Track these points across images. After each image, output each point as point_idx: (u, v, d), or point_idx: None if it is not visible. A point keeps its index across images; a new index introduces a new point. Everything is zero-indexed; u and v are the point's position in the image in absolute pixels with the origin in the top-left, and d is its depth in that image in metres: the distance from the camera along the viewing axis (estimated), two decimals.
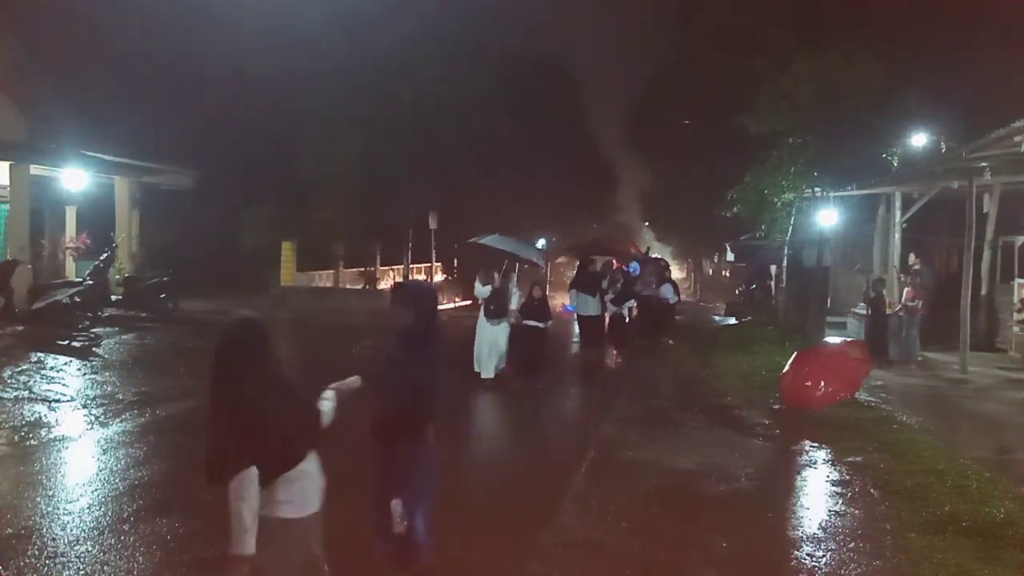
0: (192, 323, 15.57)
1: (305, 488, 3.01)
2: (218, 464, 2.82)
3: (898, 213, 14.77)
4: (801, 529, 5.57)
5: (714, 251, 40.07)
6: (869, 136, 15.63)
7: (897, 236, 14.81)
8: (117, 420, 7.90)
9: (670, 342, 16.06)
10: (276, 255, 22.59)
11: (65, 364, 10.55)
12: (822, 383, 8.86)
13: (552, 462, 7.47)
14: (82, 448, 7.03)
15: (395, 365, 4.00)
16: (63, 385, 9.36)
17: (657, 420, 9.25)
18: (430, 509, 4.07)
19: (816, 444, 7.83)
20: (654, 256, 20.81)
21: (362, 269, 24.87)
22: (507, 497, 6.32)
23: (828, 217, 16.77)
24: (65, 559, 4.54)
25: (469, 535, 5.22)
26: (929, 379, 11.57)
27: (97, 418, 7.98)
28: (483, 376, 10.72)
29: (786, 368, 9.48)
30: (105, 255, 15.22)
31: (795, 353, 9.87)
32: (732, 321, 21.64)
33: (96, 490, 5.81)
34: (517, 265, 12.66)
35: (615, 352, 14.57)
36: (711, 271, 45.70)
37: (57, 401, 8.59)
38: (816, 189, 16.71)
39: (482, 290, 11.16)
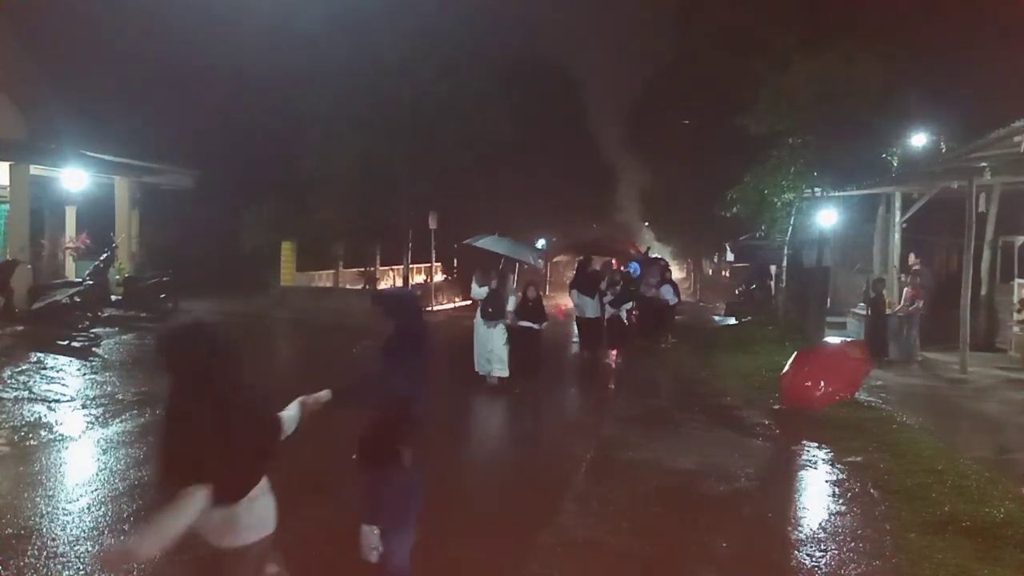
0: None
1: (264, 508, 2.85)
2: (178, 470, 2.61)
3: (898, 213, 14.77)
4: (801, 529, 5.57)
5: (714, 251, 40.08)
6: (869, 136, 15.63)
7: (897, 236, 14.81)
8: (117, 420, 7.89)
9: (672, 342, 16.05)
10: (276, 255, 22.59)
11: (65, 364, 10.55)
12: (822, 383, 8.87)
13: (552, 462, 7.47)
14: (82, 448, 7.03)
15: (372, 380, 3.73)
16: (63, 385, 9.36)
17: (657, 420, 9.25)
18: (411, 537, 3.72)
19: (816, 444, 7.83)
20: (654, 256, 20.82)
21: (362, 269, 24.87)
22: (507, 497, 6.33)
23: (828, 217, 16.77)
24: (65, 559, 4.54)
25: (469, 535, 5.23)
26: (929, 379, 11.57)
27: (97, 418, 7.98)
28: (494, 375, 10.66)
29: (786, 368, 9.48)
30: (105, 255, 15.22)
31: (795, 353, 9.87)
32: (732, 321, 21.65)
33: (96, 490, 5.81)
34: (517, 266, 12.59)
35: (614, 353, 14.56)
36: (711, 271, 45.70)
37: (57, 401, 8.59)
38: (816, 189, 16.71)
39: (479, 291, 11.05)
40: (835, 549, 5.12)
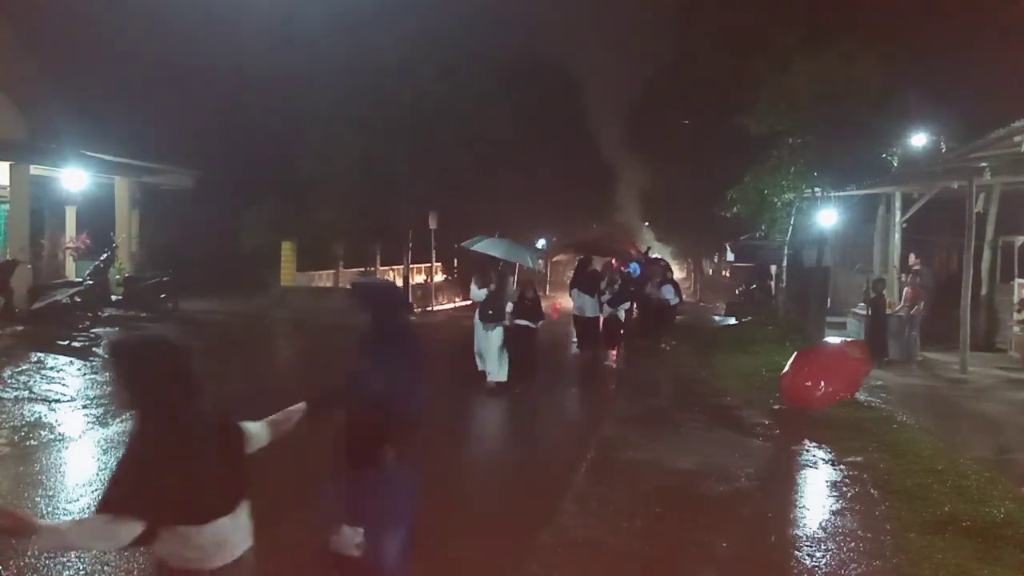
0: (192, 323, 15.58)
1: (240, 522, 2.54)
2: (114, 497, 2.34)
3: (898, 213, 14.77)
4: (801, 529, 5.57)
5: (714, 251, 40.07)
6: (869, 136, 15.63)
7: (897, 236, 14.81)
8: (117, 420, 7.89)
9: (672, 343, 16.03)
10: (276, 255, 22.60)
11: (65, 364, 10.55)
12: (822, 383, 8.87)
13: (552, 462, 7.47)
14: (82, 448, 7.03)
15: (350, 379, 3.49)
16: (63, 385, 9.36)
17: (657, 420, 9.25)
18: (401, 537, 3.51)
19: (816, 444, 7.83)
20: (654, 256, 20.82)
21: (362, 269, 24.86)
22: (507, 497, 6.33)
23: (828, 217, 16.78)
24: (65, 559, 4.54)
25: (469, 535, 5.23)
26: (929, 379, 11.57)
27: (97, 418, 7.98)
28: (490, 379, 10.57)
29: (786, 368, 9.48)
30: (105, 255, 15.22)
31: (795, 353, 9.87)
32: (732, 321, 21.66)
33: (96, 490, 5.80)
34: (517, 266, 12.52)
35: (612, 353, 14.55)
36: (711, 271, 45.70)
37: (57, 401, 8.59)
38: (816, 189, 16.71)
39: (478, 293, 10.90)
40: (835, 549, 5.12)
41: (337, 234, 22.57)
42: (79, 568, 4.45)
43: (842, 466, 7.08)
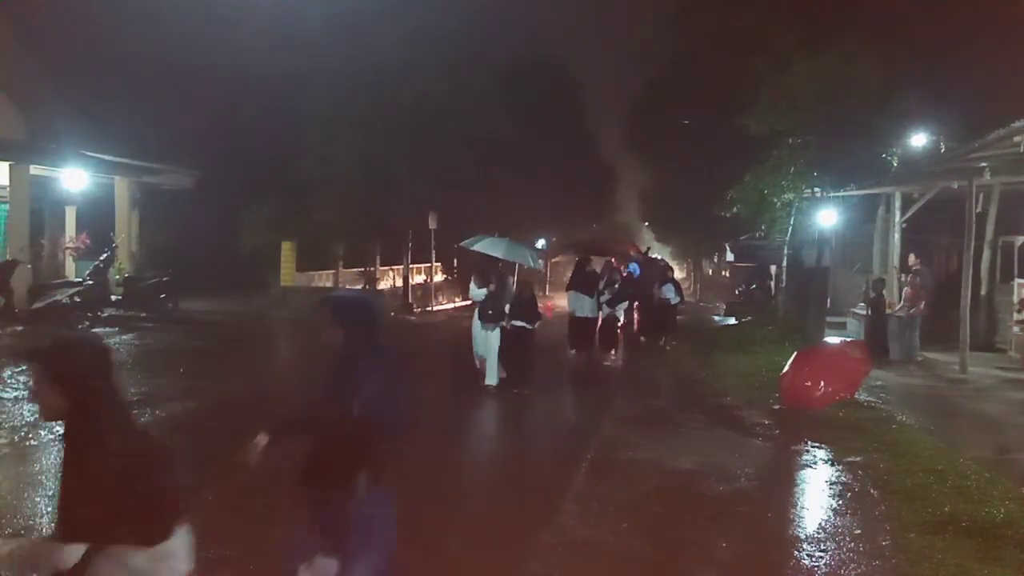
0: (192, 323, 15.59)
1: (153, 564, 2.32)
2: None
3: (898, 213, 14.77)
4: (801, 529, 5.57)
5: (714, 251, 40.07)
6: (869, 136, 15.63)
7: (897, 236, 14.81)
8: None
9: (672, 343, 16.02)
10: (276, 255, 22.60)
11: None
12: (822, 383, 8.86)
13: (552, 462, 7.47)
14: None
15: (318, 400, 3.29)
16: None
17: (657, 420, 9.25)
18: (384, 569, 3.29)
19: (816, 444, 7.83)
20: (654, 256, 20.81)
21: (362, 269, 24.88)
22: (507, 497, 6.32)
23: (828, 217, 16.78)
24: None
25: (470, 535, 5.23)
26: (929, 379, 11.57)
27: None
28: (486, 382, 10.49)
29: (786, 368, 9.48)
30: (105, 255, 15.22)
31: (795, 353, 9.87)
32: (732, 321, 21.66)
33: None
34: (517, 266, 12.43)
35: (610, 353, 14.53)
36: (711, 271, 45.70)
37: None
38: (816, 189, 16.72)
39: (477, 292, 10.77)
40: (835, 549, 5.12)
41: (337, 234, 22.57)
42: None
43: (842, 466, 7.08)
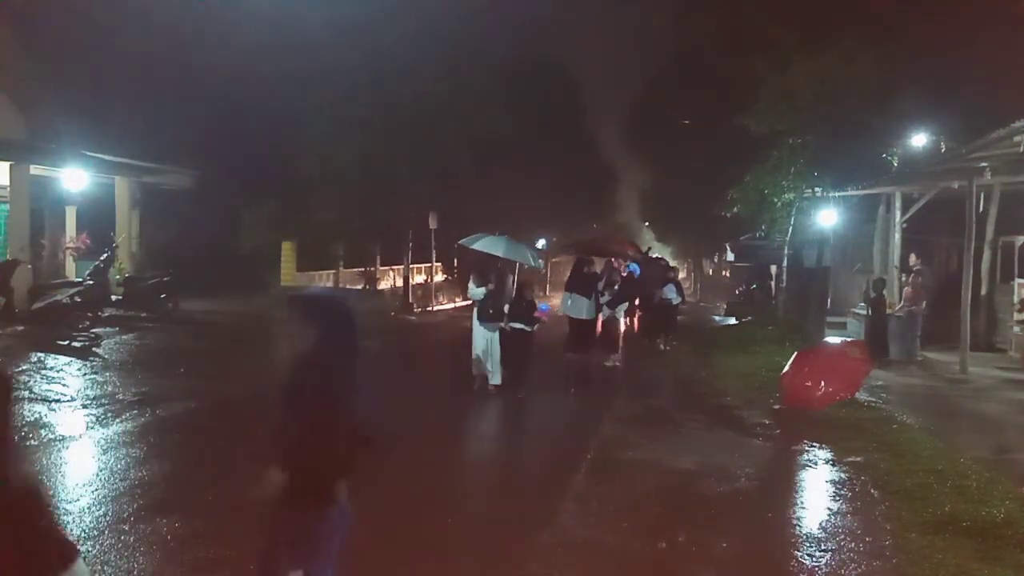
0: (192, 323, 15.58)
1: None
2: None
3: (898, 213, 14.77)
4: (801, 529, 5.57)
5: (714, 251, 40.10)
6: (869, 136, 15.65)
7: (897, 236, 14.82)
8: (117, 420, 7.89)
9: (672, 343, 16.01)
10: (276, 255, 22.63)
11: (65, 364, 10.55)
12: (822, 383, 8.87)
13: (552, 462, 7.46)
14: (82, 448, 7.03)
15: (293, 405, 3.08)
16: (63, 385, 9.36)
17: (657, 420, 9.25)
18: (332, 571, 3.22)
19: (816, 444, 7.83)
20: (654, 256, 20.80)
21: (362, 269, 24.92)
22: (507, 497, 6.32)
23: (828, 217, 16.78)
24: None
25: (469, 535, 5.23)
26: (929, 379, 11.57)
27: (97, 418, 7.97)
28: (491, 383, 10.39)
29: (786, 368, 9.48)
30: (105, 255, 15.21)
31: (795, 353, 9.87)
32: (732, 321, 21.68)
33: (96, 490, 5.80)
34: (518, 265, 12.35)
35: (610, 354, 14.48)
36: (711, 271, 45.73)
37: (57, 401, 8.58)
38: (816, 189, 16.72)
39: (476, 292, 10.59)
40: (835, 549, 5.12)
41: (337, 234, 22.61)
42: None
43: (842, 466, 7.08)
